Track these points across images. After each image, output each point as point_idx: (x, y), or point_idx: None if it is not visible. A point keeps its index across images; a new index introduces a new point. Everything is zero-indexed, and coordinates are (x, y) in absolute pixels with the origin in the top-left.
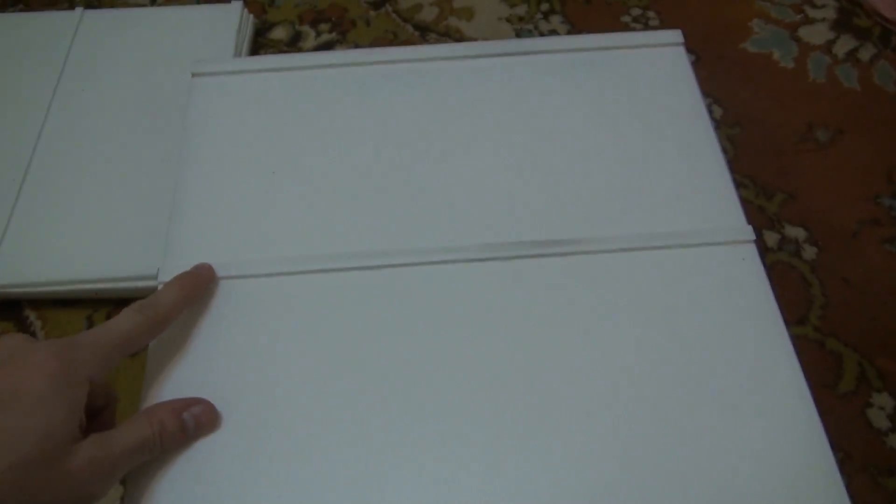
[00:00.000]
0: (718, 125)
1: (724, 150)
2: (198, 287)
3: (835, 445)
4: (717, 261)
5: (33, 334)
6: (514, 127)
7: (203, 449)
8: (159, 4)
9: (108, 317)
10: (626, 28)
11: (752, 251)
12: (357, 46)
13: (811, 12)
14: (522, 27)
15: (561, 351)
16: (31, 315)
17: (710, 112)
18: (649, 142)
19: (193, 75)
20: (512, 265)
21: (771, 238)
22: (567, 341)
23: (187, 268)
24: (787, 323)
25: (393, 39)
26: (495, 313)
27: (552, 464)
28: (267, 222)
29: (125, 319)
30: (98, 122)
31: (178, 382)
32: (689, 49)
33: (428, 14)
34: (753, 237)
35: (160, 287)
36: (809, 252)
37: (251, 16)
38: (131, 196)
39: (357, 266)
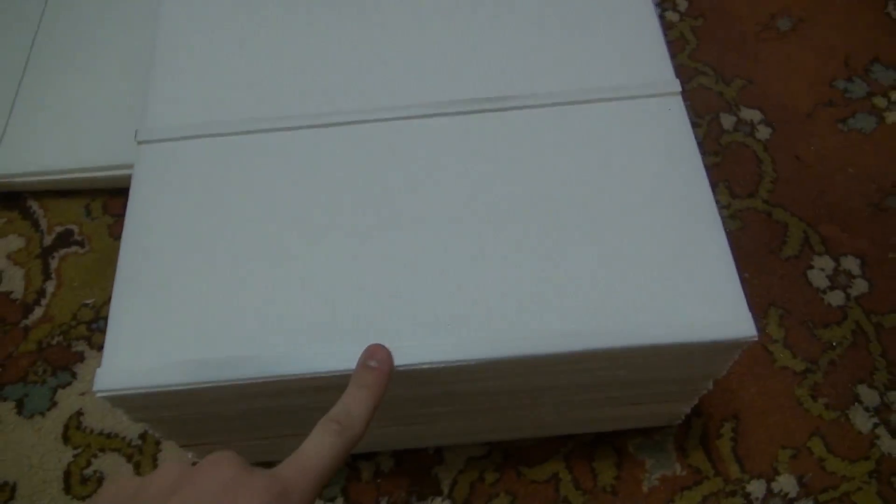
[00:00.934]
0: (683, 17)
1: (686, 41)
2: (385, 387)
3: (775, 303)
4: (646, 112)
5: (36, 222)
6: None
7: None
8: None
9: (105, 206)
10: None
11: (678, 102)
12: None
13: None
14: None
15: (500, 198)
16: (34, 205)
17: (675, 6)
18: (582, 2)
19: None
20: (455, 120)
21: (727, 120)
22: (506, 189)
23: (163, 129)
24: (737, 196)
25: None
26: (441, 164)
27: (488, 292)
28: (236, 86)
29: (325, 445)
30: (91, 20)
31: (160, 226)
32: None
33: None
34: (679, 89)
35: (347, 393)
36: (764, 132)
37: None
38: (124, 88)
39: (315, 124)
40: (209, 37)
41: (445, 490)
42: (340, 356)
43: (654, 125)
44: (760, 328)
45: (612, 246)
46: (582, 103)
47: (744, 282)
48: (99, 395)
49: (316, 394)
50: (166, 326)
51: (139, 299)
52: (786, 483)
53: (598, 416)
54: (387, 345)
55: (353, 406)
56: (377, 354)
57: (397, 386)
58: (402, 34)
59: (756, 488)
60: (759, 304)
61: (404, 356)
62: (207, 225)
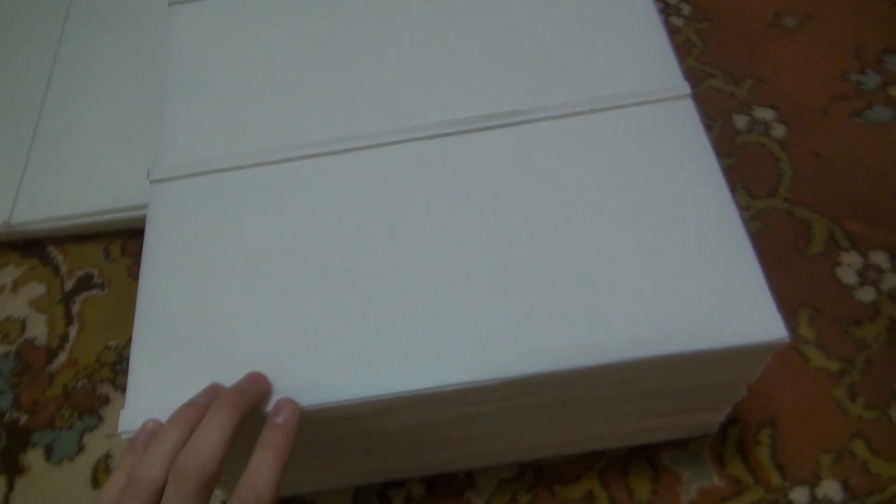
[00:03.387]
0: (687, 21)
1: (693, 44)
2: (292, 443)
3: (804, 303)
4: (656, 117)
5: (57, 268)
6: (457, 13)
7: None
8: None
9: (123, 248)
10: None
11: (689, 105)
12: None
13: None
14: None
15: (515, 213)
16: (54, 250)
17: (679, 10)
18: (584, 10)
19: (170, 4)
20: (467, 138)
21: (740, 121)
22: (520, 204)
23: (175, 166)
24: (756, 197)
25: None
26: (454, 183)
27: (516, 308)
28: (246, 117)
29: None
30: (103, 64)
31: (176, 264)
32: None
33: None
34: (689, 91)
35: (252, 460)
36: (779, 130)
37: None
38: (138, 130)
39: (328, 151)
40: (219, 69)
41: None
42: (375, 383)
43: (666, 129)
44: (791, 329)
45: (632, 255)
46: (590, 113)
47: (770, 283)
48: (124, 436)
49: (342, 423)
50: (188, 365)
51: (159, 339)
52: (829, 488)
53: (631, 430)
54: (423, 365)
55: (258, 476)
56: (284, 409)
57: (434, 409)
58: (411, 53)
59: (799, 496)
60: (787, 305)
61: (442, 376)
62: (223, 260)
